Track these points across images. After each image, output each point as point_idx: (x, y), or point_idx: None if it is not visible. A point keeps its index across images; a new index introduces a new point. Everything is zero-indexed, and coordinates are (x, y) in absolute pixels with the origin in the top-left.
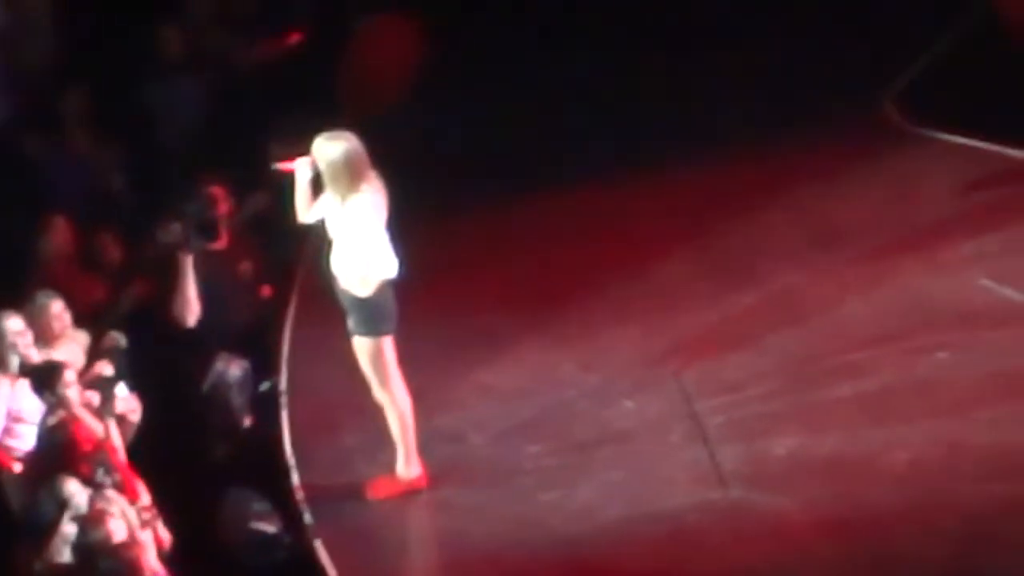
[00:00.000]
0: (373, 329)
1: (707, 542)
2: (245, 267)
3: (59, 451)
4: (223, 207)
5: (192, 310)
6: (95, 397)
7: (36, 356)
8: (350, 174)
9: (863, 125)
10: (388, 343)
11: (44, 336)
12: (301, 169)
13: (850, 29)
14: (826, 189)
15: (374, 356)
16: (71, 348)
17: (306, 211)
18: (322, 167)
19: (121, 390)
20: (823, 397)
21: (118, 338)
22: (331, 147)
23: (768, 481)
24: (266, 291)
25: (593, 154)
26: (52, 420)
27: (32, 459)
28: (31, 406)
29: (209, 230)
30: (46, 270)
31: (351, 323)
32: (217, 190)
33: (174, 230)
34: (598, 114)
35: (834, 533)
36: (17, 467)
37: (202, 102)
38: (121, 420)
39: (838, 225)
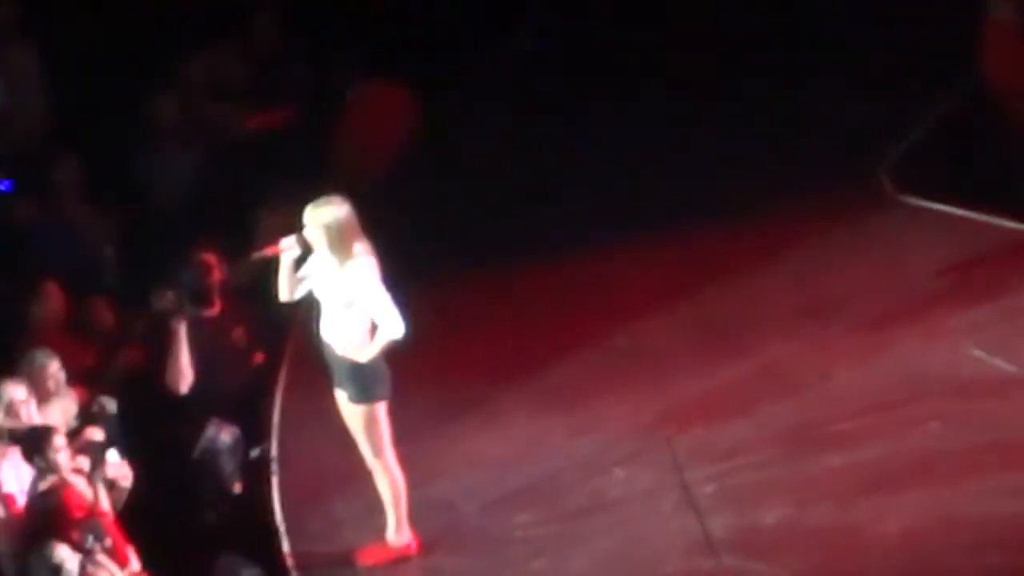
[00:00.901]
0: (369, 395)
1: None
2: (236, 334)
3: (50, 517)
4: (216, 274)
5: (185, 377)
6: (85, 462)
7: (35, 418)
8: (349, 237)
9: (856, 195)
10: (382, 409)
11: (39, 395)
12: (287, 248)
13: (844, 99)
14: (818, 258)
15: (368, 423)
16: (63, 407)
17: (289, 291)
18: (319, 231)
19: (112, 456)
20: (815, 467)
21: (107, 403)
22: (329, 210)
23: (759, 550)
24: (257, 358)
25: (583, 224)
26: (43, 485)
27: (23, 525)
28: (21, 473)
29: (202, 298)
30: (38, 335)
31: (347, 391)
32: (210, 257)
33: (168, 298)
34: (588, 185)
35: None
36: (8, 534)
37: (194, 171)
38: (112, 486)
39: (830, 295)
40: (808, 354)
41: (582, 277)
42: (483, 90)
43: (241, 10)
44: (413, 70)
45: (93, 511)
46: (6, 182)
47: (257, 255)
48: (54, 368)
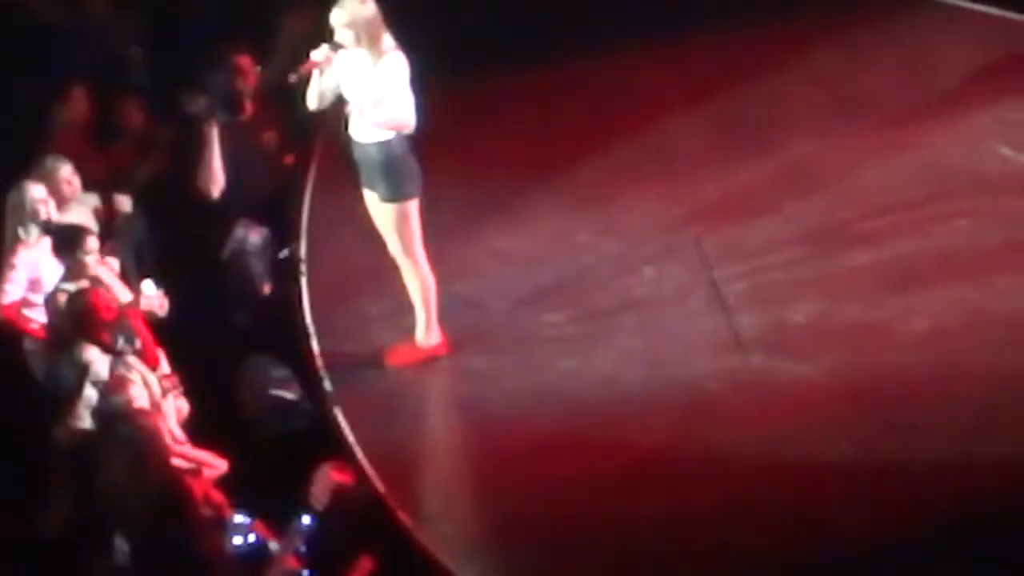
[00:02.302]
0: (400, 193)
1: (726, 409)
2: (266, 136)
3: (80, 318)
4: (248, 78)
5: (217, 181)
6: (115, 264)
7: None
8: (378, 33)
9: None
10: (413, 207)
11: (56, 199)
12: (321, 60)
13: None
14: (844, 56)
15: (399, 221)
16: (81, 212)
17: (319, 98)
18: (349, 31)
19: (149, 288)
20: (842, 264)
21: (128, 206)
22: (359, 7)
23: (787, 348)
24: (286, 159)
25: (610, 23)
26: (69, 285)
27: (52, 326)
28: (51, 272)
29: (234, 102)
30: (62, 138)
31: (377, 190)
32: (243, 60)
33: (200, 102)
34: None
35: (853, 400)
36: (38, 334)
37: None
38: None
39: (856, 92)
40: (835, 151)
41: (610, 76)
42: None
43: None
44: None
45: (123, 312)
46: None
47: (294, 75)
48: (66, 172)
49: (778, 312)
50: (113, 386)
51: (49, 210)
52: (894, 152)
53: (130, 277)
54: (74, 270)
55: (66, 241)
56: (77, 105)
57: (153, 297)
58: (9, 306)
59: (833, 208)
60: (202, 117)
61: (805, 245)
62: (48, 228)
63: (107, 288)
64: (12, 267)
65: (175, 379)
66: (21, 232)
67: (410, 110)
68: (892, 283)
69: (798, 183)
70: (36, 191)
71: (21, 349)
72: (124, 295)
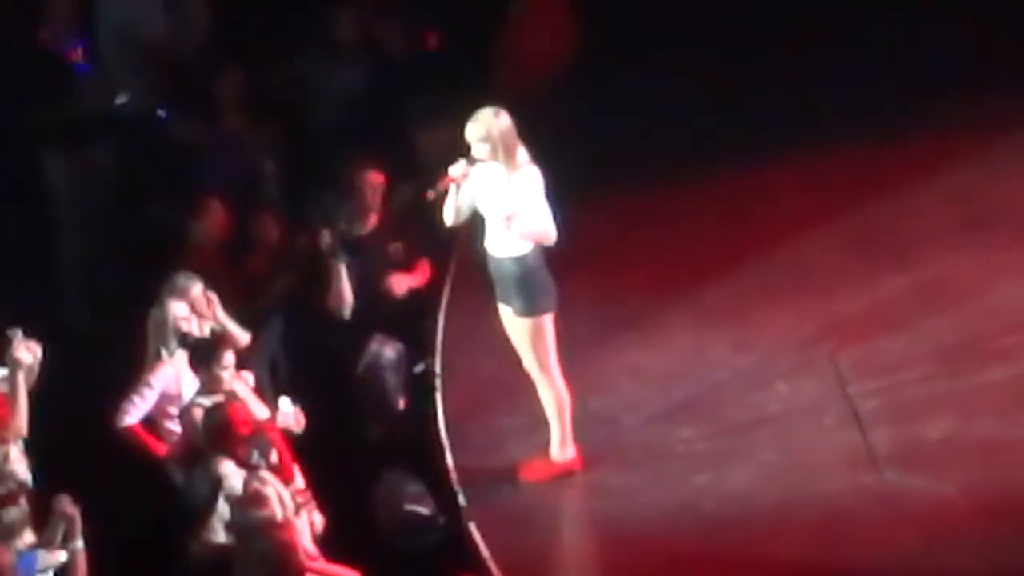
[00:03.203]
0: (535, 308)
1: (861, 526)
2: (399, 251)
3: (216, 433)
4: (374, 196)
5: (346, 304)
6: (250, 378)
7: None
8: (513, 146)
9: (1018, 107)
10: (549, 322)
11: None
12: (459, 175)
13: (1007, 11)
14: (981, 171)
15: (535, 336)
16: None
17: (455, 214)
18: (485, 145)
19: (286, 404)
20: (977, 381)
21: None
22: (494, 122)
23: (922, 465)
24: (420, 274)
25: (746, 138)
26: (204, 400)
27: (188, 440)
28: (188, 386)
29: (360, 220)
30: (199, 252)
31: (512, 305)
32: (368, 178)
33: (324, 239)
34: (750, 98)
35: (989, 517)
36: (176, 447)
37: (360, 86)
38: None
39: (992, 207)
40: (970, 267)
41: (744, 191)
42: (645, 4)
43: None
44: None
45: (260, 427)
46: (162, 107)
47: (433, 192)
48: (199, 289)
49: (913, 429)
50: (248, 501)
51: (190, 326)
52: None
53: (265, 392)
54: (210, 384)
55: (203, 355)
56: (213, 219)
57: (290, 413)
58: (135, 425)
59: (968, 324)
60: (328, 250)
61: (940, 361)
62: (185, 342)
63: (243, 403)
64: (149, 385)
65: (309, 494)
66: (162, 350)
67: (551, 222)
68: None
69: (933, 299)
70: (179, 308)
71: (161, 462)
72: (260, 410)
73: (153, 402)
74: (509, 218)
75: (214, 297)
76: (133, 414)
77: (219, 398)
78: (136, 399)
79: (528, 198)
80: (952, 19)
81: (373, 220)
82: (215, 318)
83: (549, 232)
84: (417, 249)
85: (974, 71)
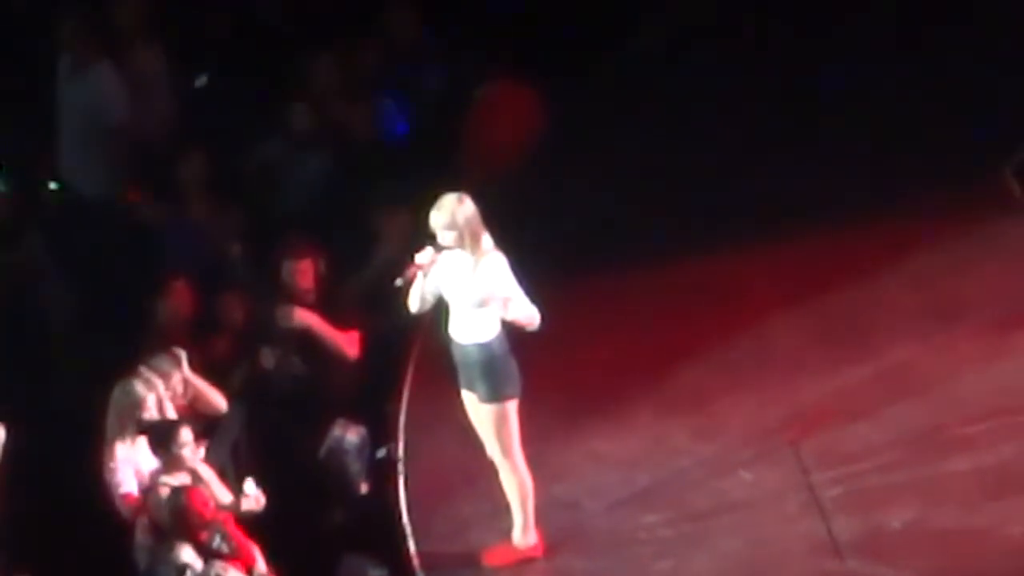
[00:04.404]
0: (500, 394)
1: None
2: (361, 336)
3: (177, 517)
4: (307, 278)
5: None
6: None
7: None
8: (478, 233)
9: (982, 196)
10: (513, 408)
11: (167, 398)
12: (425, 263)
13: (970, 99)
14: (943, 260)
15: (499, 422)
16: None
17: (420, 302)
18: (451, 232)
19: (250, 487)
20: (940, 470)
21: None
22: (459, 209)
23: (884, 553)
24: (384, 357)
25: (706, 225)
26: (166, 479)
27: (152, 521)
28: (151, 466)
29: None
30: (164, 333)
31: (476, 391)
32: (302, 263)
33: (266, 357)
34: (710, 185)
35: None
36: (140, 528)
37: (322, 173)
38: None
39: (956, 297)
40: (934, 356)
41: (706, 278)
42: (607, 90)
43: (373, 9)
44: (540, 70)
45: (220, 512)
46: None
47: (399, 280)
48: (177, 377)
49: (875, 517)
50: None
51: (150, 410)
52: (994, 358)
53: (227, 475)
54: (171, 463)
55: (160, 437)
56: (179, 299)
57: (251, 497)
58: (129, 495)
59: (931, 413)
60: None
61: (902, 450)
62: (142, 427)
63: (206, 484)
64: (113, 467)
65: None
66: (121, 432)
67: (531, 306)
68: (989, 489)
69: (896, 387)
70: (141, 390)
71: (124, 543)
72: (222, 490)
73: (131, 477)
74: (479, 304)
75: (184, 363)
76: (121, 487)
77: (183, 476)
78: (112, 478)
79: (498, 284)
80: (922, 106)
81: (309, 299)
82: (188, 387)
83: (535, 315)
84: (380, 332)
85: (940, 159)
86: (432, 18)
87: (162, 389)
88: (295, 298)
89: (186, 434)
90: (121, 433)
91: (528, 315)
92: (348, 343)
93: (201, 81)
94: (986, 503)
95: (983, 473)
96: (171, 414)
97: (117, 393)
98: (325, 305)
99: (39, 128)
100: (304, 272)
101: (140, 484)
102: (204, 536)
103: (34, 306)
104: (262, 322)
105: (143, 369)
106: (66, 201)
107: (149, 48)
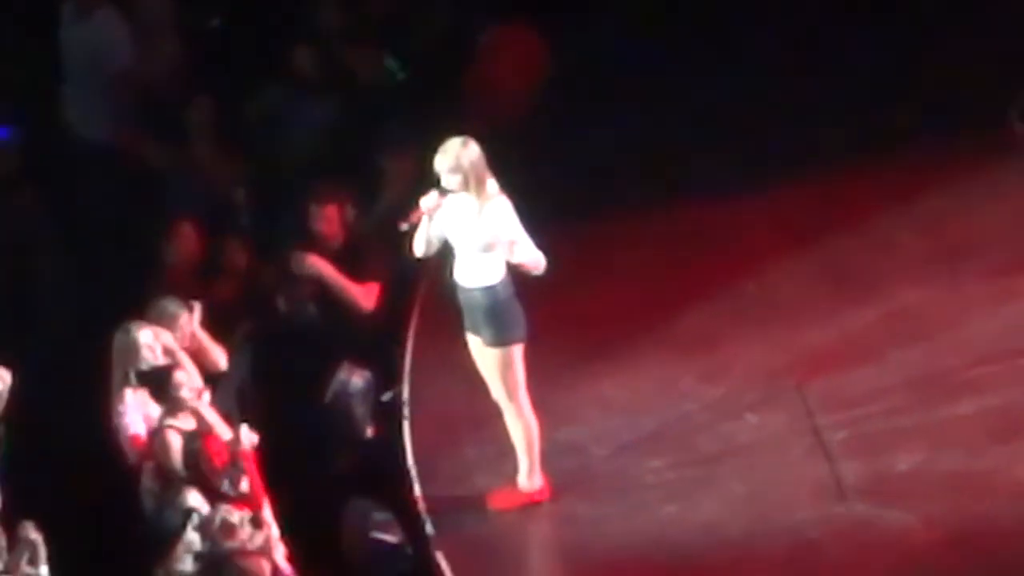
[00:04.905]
0: (505, 338)
1: (828, 557)
2: (369, 278)
3: (193, 463)
4: (331, 224)
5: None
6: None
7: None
8: (483, 177)
9: (988, 140)
10: (518, 352)
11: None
12: (431, 206)
13: (976, 43)
14: (950, 203)
15: (504, 366)
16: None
17: (426, 246)
18: (456, 175)
19: (244, 433)
20: (946, 413)
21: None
22: (464, 153)
23: (890, 497)
24: (389, 302)
25: (713, 169)
26: (171, 421)
27: (160, 465)
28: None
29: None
30: (170, 276)
31: (481, 335)
32: (327, 205)
33: (282, 303)
34: (717, 130)
35: (957, 549)
36: (147, 473)
37: (328, 115)
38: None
39: (962, 240)
40: (939, 300)
41: (712, 223)
42: (611, 35)
43: None
44: (546, 14)
45: (236, 455)
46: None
47: (404, 223)
48: (184, 318)
49: (881, 460)
50: (216, 530)
51: (157, 355)
52: (999, 301)
53: (233, 420)
54: (173, 406)
55: (156, 382)
56: (185, 242)
57: (249, 437)
58: (136, 437)
59: (937, 356)
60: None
61: (908, 393)
62: (140, 376)
63: (212, 427)
64: (121, 410)
65: (277, 522)
66: (129, 375)
67: (536, 250)
68: (995, 432)
69: (902, 331)
70: (144, 336)
71: (130, 489)
72: (224, 431)
73: (139, 421)
74: (484, 249)
75: (197, 315)
76: (128, 429)
77: (188, 418)
78: (120, 420)
79: (499, 230)
80: (923, 56)
81: (334, 246)
82: (194, 339)
83: (540, 259)
84: (386, 274)
85: (945, 104)
86: None
87: (168, 334)
88: (318, 245)
89: (180, 375)
90: (127, 377)
91: (533, 259)
92: (365, 295)
93: (206, 25)
94: (992, 446)
95: (989, 416)
96: (180, 356)
97: (120, 338)
98: (348, 253)
99: (43, 74)
100: (330, 219)
101: (148, 428)
102: (216, 481)
103: (36, 253)
104: (274, 268)
105: (149, 311)
106: (70, 146)
107: None
